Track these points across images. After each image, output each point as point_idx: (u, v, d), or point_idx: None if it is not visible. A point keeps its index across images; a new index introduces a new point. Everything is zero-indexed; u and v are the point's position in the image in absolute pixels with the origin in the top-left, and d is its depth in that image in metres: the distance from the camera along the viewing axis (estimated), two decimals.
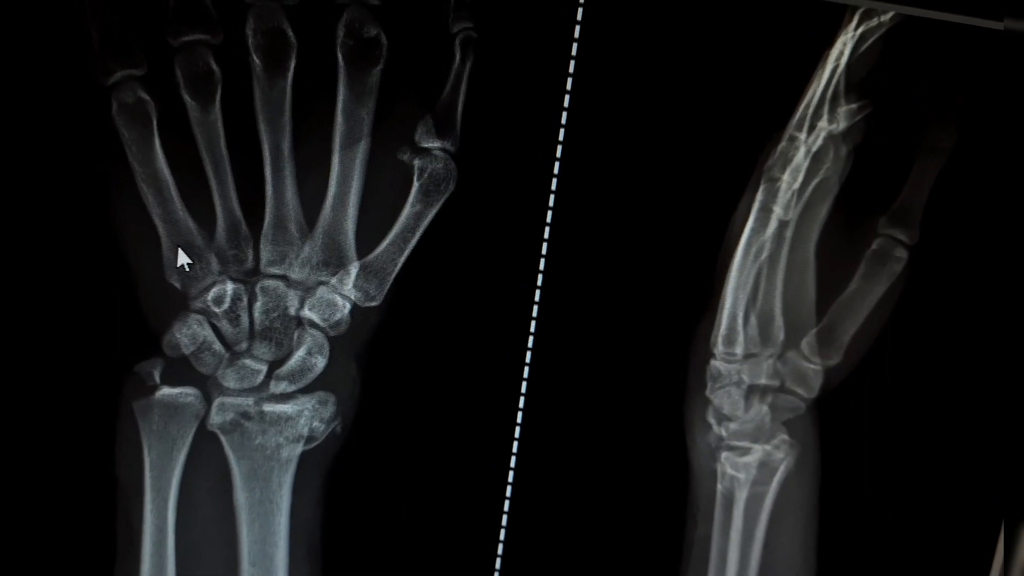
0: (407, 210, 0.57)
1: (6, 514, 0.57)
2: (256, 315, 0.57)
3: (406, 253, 0.57)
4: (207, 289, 0.57)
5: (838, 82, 0.56)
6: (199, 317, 0.57)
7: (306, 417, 0.58)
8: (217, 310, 0.57)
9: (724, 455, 0.59)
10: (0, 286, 0.55)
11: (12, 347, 0.56)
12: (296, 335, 0.58)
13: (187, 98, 0.54)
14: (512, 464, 0.59)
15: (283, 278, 0.57)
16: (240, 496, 0.58)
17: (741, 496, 0.59)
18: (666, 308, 0.58)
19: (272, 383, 0.58)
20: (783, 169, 0.57)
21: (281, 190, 0.56)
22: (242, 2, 0.54)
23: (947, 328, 0.58)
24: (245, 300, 0.57)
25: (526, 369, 0.58)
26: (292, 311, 0.57)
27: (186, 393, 0.57)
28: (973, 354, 0.58)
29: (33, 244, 0.55)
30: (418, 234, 0.57)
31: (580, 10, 0.55)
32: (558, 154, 0.56)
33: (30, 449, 0.57)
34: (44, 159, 0.54)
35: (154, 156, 0.55)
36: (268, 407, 0.58)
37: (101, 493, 0.57)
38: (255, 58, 0.54)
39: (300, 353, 0.58)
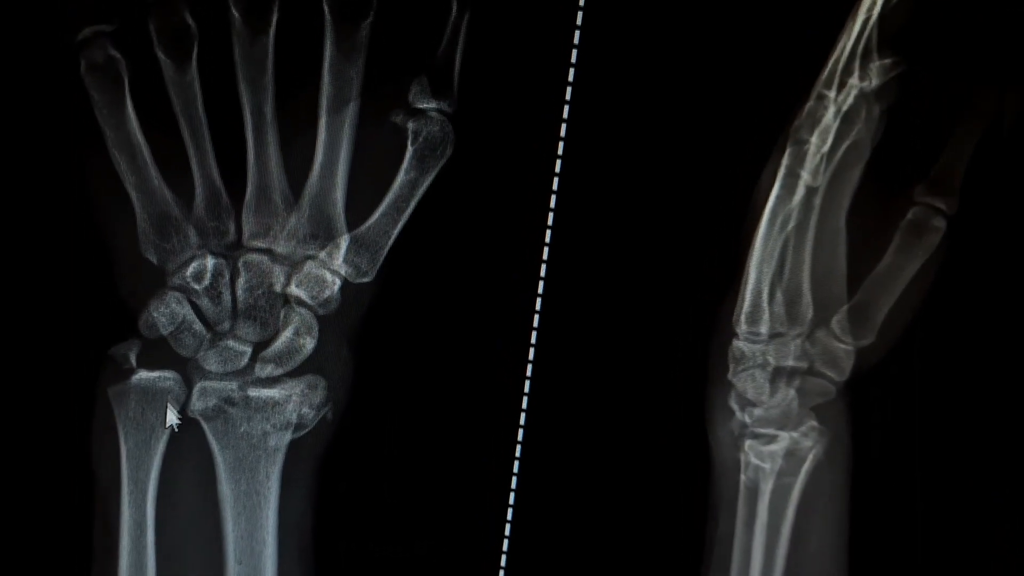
0: (401, 177, 0.56)
1: None
2: (239, 292, 0.56)
3: (400, 224, 0.56)
4: (186, 264, 0.56)
5: (870, 35, 0.55)
6: (177, 295, 0.56)
7: (294, 403, 0.57)
8: (197, 287, 0.56)
9: (748, 443, 0.58)
10: None
11: None
12: (282, 314, 0.57)
13: (161, 56, 0.54)
14: (517, 454, 0.58)
15: (268, 252, 0.56)
16: (224, 488, 0.57)
17: (766, 488, 0.58)
18: (684, 284, 0.57)
19: (257, 366, 0.57)
20: (811, 131, 0.56)
21: (264, 156, 0.55)
22: None
23: (989, 305, 0.57)
24: (227, 276, 0.56)
25: (531, 350, 0.58)
26: (278, 288, 0.56)
27: (165, 377, 0.56)
28: (1017, 333, 0.57)
29: None
30: (413, 203, 0.56)
31: None
32: (565, 114, 0.56)
33: None
34: (7, 123, 0.54)
35: (126, 120, 0.54)
36: (253, 392, 0.57)
37: (75, 486, 0.57)
38: (234, 11, 0.54)
39: (287, 333, 0.56)
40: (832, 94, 0.55)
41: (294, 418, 0.57)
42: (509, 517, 0.59)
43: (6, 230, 0.55)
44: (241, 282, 0.56)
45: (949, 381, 0.57)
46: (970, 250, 0.56)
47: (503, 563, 0.59)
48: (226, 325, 0.56)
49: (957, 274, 0.57)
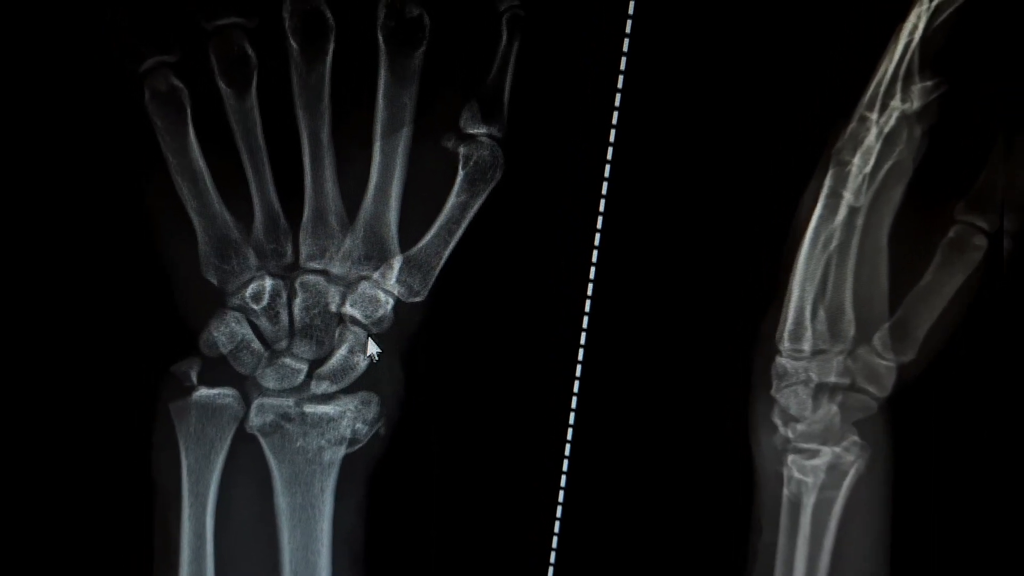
0: (452, 200, 0.56)
1: (41, 520, 0.57)
2: (296, 312, 0.57)
3: (451, 246, 0.57)
4: (245, 285, 0.56)
5: (911, 58, 0.55)
6: (237, 314, 0.56)
7: (348, 418, 0.57)
8: (255, 307, 0.56)
9: (791, 458, 0.58)
10: (32, 283, 0.55)
11: (45, 347, 0.56)
12: (337, 332, 0.57)
13: (222, 85, 0.54)
14: (565, 468, 0.58)
15: (323, 273, 0.57)
16: (281, 501, 0.57)
17: (809, 501, 0.58)
18: (728, 302, 0.57)
19: (313, 383, 0.57)
20: (853, 152, 0.56)
21: (320, 181, 0.56)
22: None
23: None
24: (284, 296, 0.57)
25: (579, 367, 0.58)
26: (333, 307, 0.57)
27: (224, 394, 0.57)
28: None
29: (65, 239, 0.55)
30: (464, 225, 0.56)
31: None
32: (611, 139, 0.55)
33: (63, 453, 0.56)
34: (75, 150, 0.54)
35: (188, 146, 0.55)
36: (309, 408, 0.57)
37: (137, 498, 0.57)
38: (292, 42, 0.54)
39: (342, 351, 0.57)
40: (874, 116, 0.55)
41: (348, 433, 0.57)
42: (556, 529, 0.59)
43: (75, 253, 0.55)
44: (298, 302, 0.56)
45: (988, 396, 0.57)
46: (1011, 267, 0.56)
47: (551, 574, 0.59)
48: (283, 344, 0.57)
49: (998, 291, 0.56)
